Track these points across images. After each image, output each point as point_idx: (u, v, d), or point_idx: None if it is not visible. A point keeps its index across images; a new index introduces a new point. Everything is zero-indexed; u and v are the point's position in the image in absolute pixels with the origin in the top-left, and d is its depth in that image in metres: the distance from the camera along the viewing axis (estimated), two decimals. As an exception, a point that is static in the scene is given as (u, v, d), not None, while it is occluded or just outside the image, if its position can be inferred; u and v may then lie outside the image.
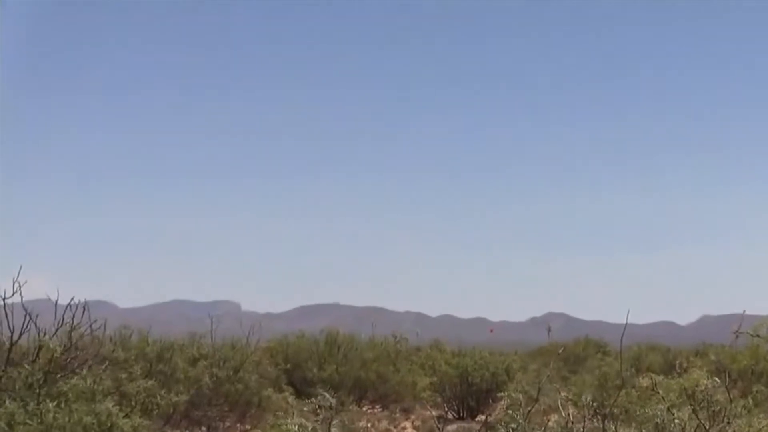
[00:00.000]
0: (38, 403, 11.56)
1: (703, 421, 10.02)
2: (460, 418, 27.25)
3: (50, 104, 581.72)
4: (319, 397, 8.43)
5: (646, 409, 10.13)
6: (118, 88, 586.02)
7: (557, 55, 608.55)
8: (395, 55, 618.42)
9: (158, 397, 14.88)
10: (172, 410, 16.28)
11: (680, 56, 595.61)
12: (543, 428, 9.23)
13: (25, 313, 13.37)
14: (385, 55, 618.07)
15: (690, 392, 10.78)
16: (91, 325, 14.42)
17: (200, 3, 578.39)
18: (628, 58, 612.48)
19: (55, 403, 11.53)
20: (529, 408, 8.87)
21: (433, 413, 24.69)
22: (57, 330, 13.84)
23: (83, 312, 14.18)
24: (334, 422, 8.26)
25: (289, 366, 25.49)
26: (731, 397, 11.41)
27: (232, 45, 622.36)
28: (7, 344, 13.31)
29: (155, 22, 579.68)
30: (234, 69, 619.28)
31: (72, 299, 14.12)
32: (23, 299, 13.18)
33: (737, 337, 13.60)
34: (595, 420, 9.42)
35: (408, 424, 25.05)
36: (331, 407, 8.31)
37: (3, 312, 13.28)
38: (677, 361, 16.23)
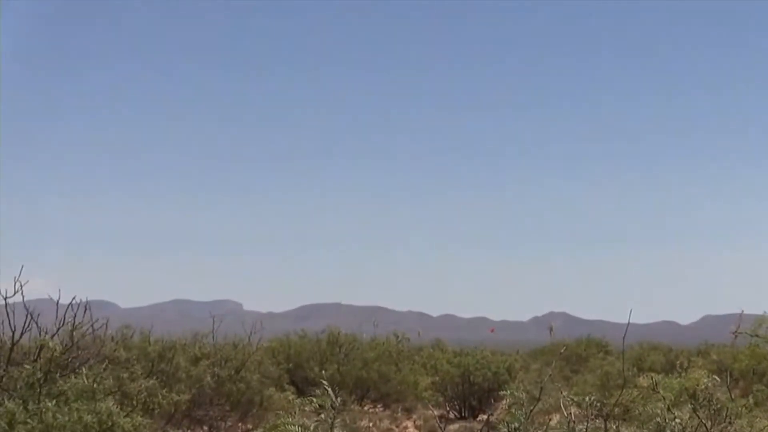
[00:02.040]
0: (38, 403, 11.57)
1: (704, 420, 10.02)
2: (462, 418, 27.26)
3: (51, 103, 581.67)
4: (322, 396, 8.40)
5: (647, 408, 10.12)
6: (118, 87, 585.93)
7: (561, 52, 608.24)
8: (397, 57, 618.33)
9: (159, 396, 14.86)
10: (173, 409, 16.28)
11: (681, 60, 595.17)
12: (545, 428, 9.23)
13: (26, 312, 13.38)
14: (387, 57, 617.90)
15: (691, 391, 10.79)
16: (92, 325, 14.44)
17: (201, 3, 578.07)
18: (637, 53, 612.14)
19: (54, 402, 11.53)
20: (531, 407, 8.87)
21: (435, 413, 24.69)
22: (58, 329, 13.85)
23: (85, 312, 14.19)
24: (336, 421, 8.25)
25: (290, 365, 25.52)
26: (732, 396, 11.42)
27: (232, 45, 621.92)
28: (9, 344, 13.33)
29: (154, 23, 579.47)
30: (235, 70, 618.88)
31: (73, 299, 14.16)
32: (24, 299, 13.21)
33: (736, 337, 13.61)
34: (597, 420, 9.41)
35: (410, 423, 25.05)
36: (333, 407, 8.29)
37: (4, 311, 13.30)
38: (678, 361, 16.24)
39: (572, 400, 9.63)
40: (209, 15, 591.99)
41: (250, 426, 19.57)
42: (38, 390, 12.06)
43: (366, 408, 25.88)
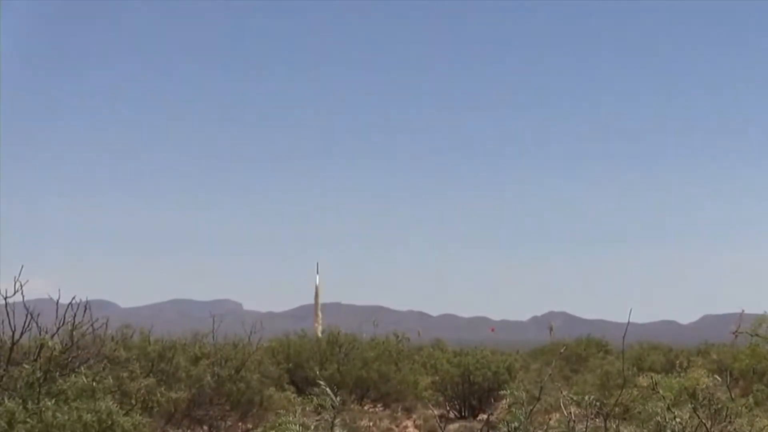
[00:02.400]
0: (38, 402, 11.56)
1: (704, 420, 10.02)
2: (462, 417, 27.26)
3: (51, 103, 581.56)
4: (321, 396, 8.39)
5: (647, 407, 10.12)
6: (118, 87, 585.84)
7: (561, 52, 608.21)
8: (397, 57, 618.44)
9: (158, 394, 14.86)
10: (173, 409, 16.27)
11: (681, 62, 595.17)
12: (545, 427, 9.23)
13: (26, 312, 13.38)
14: (387, 57, 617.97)
15: (691, 391, 10.80)
16: (92, 325, 14.44)
17: (201, 3, 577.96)
18: (637, 54, 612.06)
19: (53, 402, 11.53)
20: (531, 407, 8.87)
21: (435, 412, 24.69)
22: (58, 329, 13.86)
23: (84, 311, 14.20)
24: (336, 421, 8.24)
25: (290, 365, 25.53)
26: (732, 395, 11.42)
27: (232, 45, 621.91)
28: (9, 343, 13.33)
29: (154, 23, 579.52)
30: (235, 70, 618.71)
31: (73, 299, 14.17)
32: (24, 299, 13.22)
33: (736, 337, 13.61)
34: (597, 419, 9.42)
35: (410, 423, 25.06)
36: (333, 406, 8.29)
37: (4, 311, 13.31)
38: (678, 360, 16.25)
39: (572, 399, 9.63)
40: (209, 15, 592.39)
41: (250, 425, 19.57)
42: (38, 389, 12.06)
43: (366, 407, 25.89)
